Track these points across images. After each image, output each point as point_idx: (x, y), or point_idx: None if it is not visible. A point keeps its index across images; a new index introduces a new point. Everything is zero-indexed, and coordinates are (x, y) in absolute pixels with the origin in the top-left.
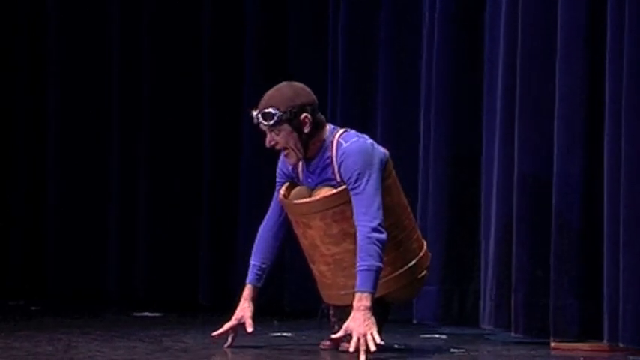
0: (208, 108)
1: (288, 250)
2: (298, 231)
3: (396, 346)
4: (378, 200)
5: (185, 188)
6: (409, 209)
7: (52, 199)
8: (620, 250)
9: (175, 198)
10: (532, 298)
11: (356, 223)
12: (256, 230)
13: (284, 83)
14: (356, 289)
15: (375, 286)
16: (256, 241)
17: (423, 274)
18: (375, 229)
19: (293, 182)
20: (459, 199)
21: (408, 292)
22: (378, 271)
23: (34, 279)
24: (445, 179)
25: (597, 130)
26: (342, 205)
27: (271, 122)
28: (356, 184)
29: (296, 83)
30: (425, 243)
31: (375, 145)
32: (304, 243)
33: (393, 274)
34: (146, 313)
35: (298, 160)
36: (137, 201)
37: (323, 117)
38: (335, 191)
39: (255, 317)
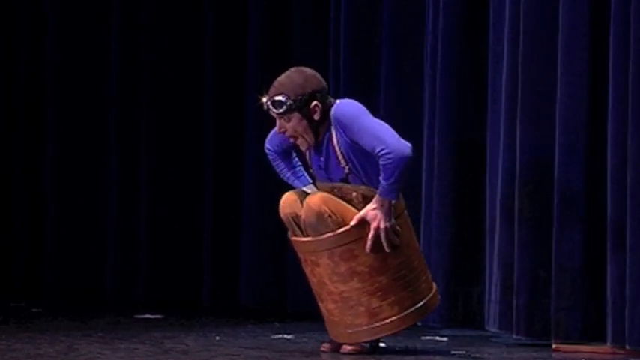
0: (210, 104)
1: (290, 252)
2: (307, 269)
3: (397, 348)
4: (383, 128)
5: (187, 187)
6: (420, 251)
7: (51, 198)
8: (627, 252)
9: (177, 197)
10: (534, 299)
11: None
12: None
13: (294, 69)
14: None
15: (395, 197)
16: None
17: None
18: (383, 155)
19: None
20: (463, 198)
21: None
22: (393, 184)
23: (32, 279)
24: (450, 176)
25: (601, 129)
26: (349, 243)
27: (281, 110)
28: (355, 125)
29: (306, 69)
30: (435, 285)
31: None
32: (312, 281)
33: (400, 315)
34: (147, 315)
35: (309, 147)
36: (138, 200)
37: (332, 99)
38: (342, 230)
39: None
